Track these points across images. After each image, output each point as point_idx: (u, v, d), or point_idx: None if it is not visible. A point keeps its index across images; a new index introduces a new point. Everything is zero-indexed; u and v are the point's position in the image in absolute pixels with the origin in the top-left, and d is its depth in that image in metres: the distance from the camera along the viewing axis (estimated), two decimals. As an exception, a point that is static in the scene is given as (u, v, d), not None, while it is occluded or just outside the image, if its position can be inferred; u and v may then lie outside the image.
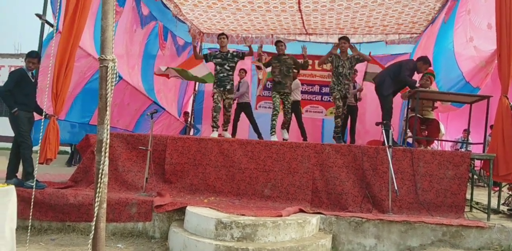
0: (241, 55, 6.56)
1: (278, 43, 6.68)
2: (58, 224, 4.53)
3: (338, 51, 6.36)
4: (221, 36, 6.61)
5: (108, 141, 2.22)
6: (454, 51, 6.57)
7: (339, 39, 6.45)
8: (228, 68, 6.46)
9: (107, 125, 2.23)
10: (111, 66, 2.38)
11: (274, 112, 6.41)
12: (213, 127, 6.41)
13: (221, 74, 6.46)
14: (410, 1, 7.37)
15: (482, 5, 5.94)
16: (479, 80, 6.46)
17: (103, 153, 2.15)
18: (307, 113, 9.34)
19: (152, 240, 4.33)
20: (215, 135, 6.29)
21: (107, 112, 2.25)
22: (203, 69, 8.07)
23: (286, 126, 6.71)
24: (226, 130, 6.77)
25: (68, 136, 6.31)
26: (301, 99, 8.95)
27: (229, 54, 6.50)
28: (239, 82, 8.29)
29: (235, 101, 8.24)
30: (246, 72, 8.56)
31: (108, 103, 2.27)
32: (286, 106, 6.56)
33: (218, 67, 6.50)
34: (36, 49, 5.33)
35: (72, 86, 5.93)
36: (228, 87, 6.46)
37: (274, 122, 6.38)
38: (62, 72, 4.85)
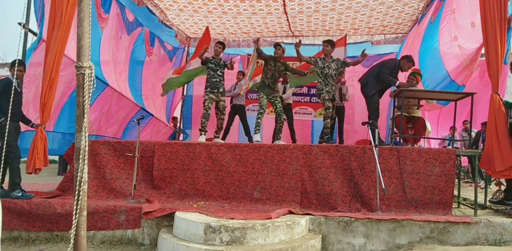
0: (226, 65, 6.72)
1: (276, 46, 6.61)
2: (46, 234, 4.48)
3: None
4: (218, 45, 6.76)
5: (87, 148, 2.22)
6: (440, 51, 6.64)
7: (323, 42, 6.49)
8: (221, 74, 6.65)
9: (85, 132, 2.22)
10: (88, 73, 2.38)
11: (261, 111, 6.36)
12: (200, 130, 6.43)
13: (214, 79, 6.57)
14: (394, 2, 7.45)
15: (466, 3, 6.00)
16: (464, 79, 6.52)
17: (81, 161, 2.14)
18: (296, 115, 9.31)
19: (141, 247, 4.30)
20: (202, 139, 6.29)
21: (85, 120, 2.24)
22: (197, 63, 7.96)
23: (279, 136, 6.56)
24: (218, 137, 6.72)
25: (57, 147, 6.25)
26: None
27: (221, 62, 6.70)
28: (236, 84, 8.27)
29: (229, 104, 8.26)
30: (244, 74, 8.55)
31: (85, 111, 2.27)
32: (278, 109, 6.49)
33: (211, 72, 6.62)
34: (20, 58, 5.31)
35: (59, 96, 5.89)
36: (221, 90, 6.60)
37: (259, 120, 6.33)
38: (48, 81, 4.82)
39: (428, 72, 6.80)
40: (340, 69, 6.52)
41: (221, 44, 6.79)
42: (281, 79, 7.41)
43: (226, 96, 7.78)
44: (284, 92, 8.00)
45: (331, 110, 6.20)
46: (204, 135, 6.39)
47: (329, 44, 6.35)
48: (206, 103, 6.45)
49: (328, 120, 6.22)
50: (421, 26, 7.54)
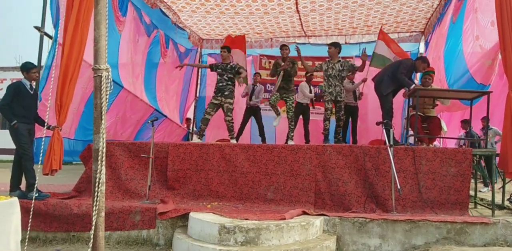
0: (236, 70, 6.57)
1: (282, 47, 6.78)
2: (63, 234, 4.55)
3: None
4: (222, 49, 6.81)
5: (104, 150, 2.24)
6: (463, 51, 6.54)
7: (327, 45, 6.61)
8: (227, 78, 6.60)
9: (103, 134, 2.25)
10: (105, 76, 2.41)
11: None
12: (196, 134, 6.60)
13: (220, 84, 6.62)
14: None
15: (487, 2, 5.89)
16: (489, 78, 6.39)
17: (99, 162, 2.17)
18: (310, 115, 9.28)
19: (156, 247, 4.34)
20: (195, 140, 6.46)
21: (103, 121, 2.27)
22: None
23: (291, 135, 6.62)
24: (232, 138, 6.72)
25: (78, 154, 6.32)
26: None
27: (228, 66, 6.66)
28: (255, 85, 8.24)
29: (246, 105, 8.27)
30: (260, 76, 8.52)
31: (103, 113, 2.30)
32: (288, 105, 6.59)
33: (218, 77, 6.70)
34: (36, 61, 5.40)
35: (77, 102, 5.95)
36: (226, 93, 6.52)
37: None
38: (66, 84, 4.86)
39: (455, 74, 6.70)
40: (346, 71, 6.51)
41: (225, 48, 6.79)
42: None
43: (255, 101, 7.80)
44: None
45: (329, 112, 6.38)
46: (199, 139, 6.44)
47: (333, 45, 6.48)
48: (208, 109, 6.56)
49: (327, 122, 6.37)
50: (443, 26, 7.40)
